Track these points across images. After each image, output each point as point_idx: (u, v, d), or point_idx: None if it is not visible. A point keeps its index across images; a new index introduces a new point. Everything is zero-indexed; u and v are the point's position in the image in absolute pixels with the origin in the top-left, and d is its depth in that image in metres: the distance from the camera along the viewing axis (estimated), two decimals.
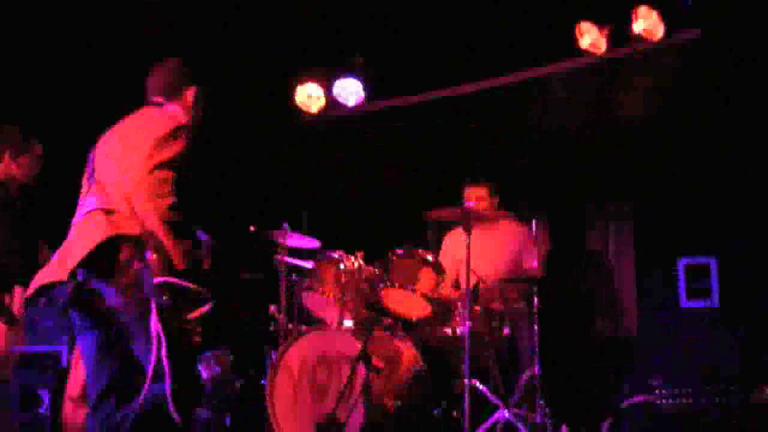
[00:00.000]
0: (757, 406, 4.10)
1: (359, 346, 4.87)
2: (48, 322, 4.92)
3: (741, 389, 4.13)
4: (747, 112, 6.00)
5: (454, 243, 6.04)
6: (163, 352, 3.22)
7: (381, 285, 5.32)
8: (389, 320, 5.45)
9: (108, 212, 3.34)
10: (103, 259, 3.26)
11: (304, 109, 7.26)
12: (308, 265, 5.64)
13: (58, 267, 3.40)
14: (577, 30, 6.18)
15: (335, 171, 7.28)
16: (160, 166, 3.33)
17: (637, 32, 6.08)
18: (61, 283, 3.37)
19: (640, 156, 6.38)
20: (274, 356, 5.27)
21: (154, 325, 3.22)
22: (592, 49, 6.23)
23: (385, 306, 5.38)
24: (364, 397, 4.77)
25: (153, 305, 3.22)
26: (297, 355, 5.18)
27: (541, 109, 6.74)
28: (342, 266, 5.39)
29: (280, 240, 5.86)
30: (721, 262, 6.12)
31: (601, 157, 6.55)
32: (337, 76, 7.15)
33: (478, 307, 5.36)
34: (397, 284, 5.27)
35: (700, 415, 4.20)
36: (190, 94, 3.80)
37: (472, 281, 5.27)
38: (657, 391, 4.33)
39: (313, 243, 6.00)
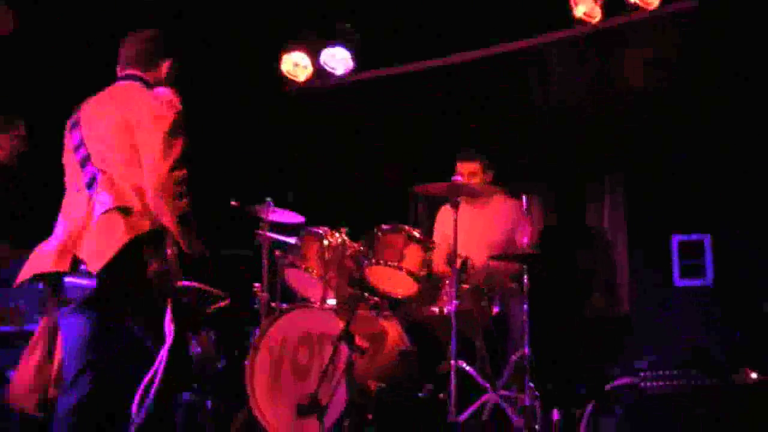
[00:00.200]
0: (740, 388, 4.02)
1: (342, 325, 4.76)
2: (19, 301, 4.81)
3: (725, 371, 4.06)
4: (745, 87, 5.87)
5: (444, 218, 5.95)
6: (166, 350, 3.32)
7: (366, 262, 5.21)
8: (374, 298, 5.37)
9: (123, 211, 3.37)
10: (120, 258, 3.31)
11: (291, 78, 7.13)
12: (291, 241, 5.53)
13: (58, 257, 3.41)
14: None
15: (321, 143, 7.17)
16: (176, 164, 3.38)
17: (633, 1, 5.93)
18: (61, 273, 3.41)
19: (635, 128, 6.27)
20: (254, 336, 5.18)
21: (168, 324, 3.30)
22: (586, 18, 6.09)
23: (370, 283, 5.29)
24: (347, 378, 4.66)
25: (169, 305, 3.32)
26: (278, 334, 5.09)
27: (535, 81, 6.65)
28: (326, 242, 5.28)
29: (263, 215, 5.74)
30: (715, 240, 6.04)
31: (596, 128, 6.45)
32: (325, 44, 7.00)
33: (466, 285, 5.25)
34: (382, 261, 5.16)
35: (684, 397, 4.14)
36: (165, 66, 3.74)
37: (461, 258, 5.16)
38: (642, 374, 4.25)
39: (297, 218, 5.88)
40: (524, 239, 5.23)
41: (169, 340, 3.30)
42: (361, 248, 5.27)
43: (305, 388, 4.82)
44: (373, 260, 5.18)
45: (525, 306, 4.97)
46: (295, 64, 7.07)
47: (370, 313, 5.34)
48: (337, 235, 5.31)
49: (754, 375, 4.03)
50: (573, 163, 6.64)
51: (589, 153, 6.53)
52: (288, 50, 7.05)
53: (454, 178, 4.99)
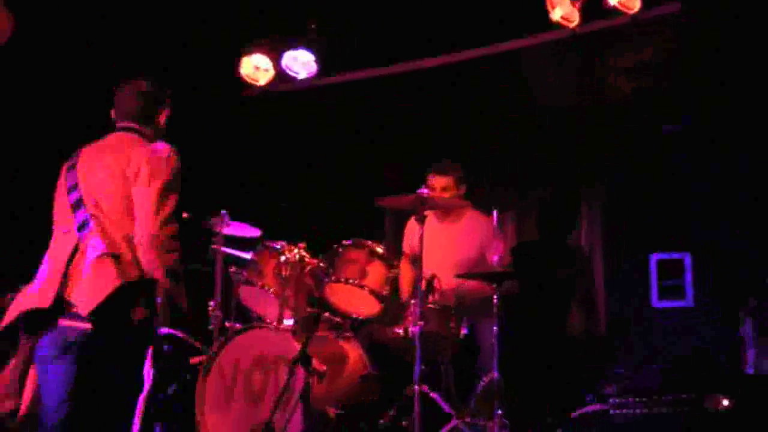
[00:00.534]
0: (710, 415, 4.08)
1: (299, 346, 4.77)
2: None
3: (696, 397, 4.12)
4: (730, 93, 5.94)
5: (411, 234, 5.97)
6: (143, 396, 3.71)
7: (326, 279, 5.23)
8: (334, 318, 5.40)
9: (114, 257, 3.64)
10: (109, 303, 3.59)
11: (251, 81, 7.11)
12: (247, 256, 5.54)
13: (41, 295, 3.67)
14: (548, 1, 6.07)
15: (282, 151, 7.17)
16: (169, 219, 3.70)
17: (613, 4, 6.00)
18: (50, 312, 3.64)
19: (616, 139, 6.34)
20: (206, 358, 5.16)
21: (147, 371, 3.63)
22: (564, 22, 6.13)
23: (330, 302, 5.32)
24: (304, 404, 4.70)
25: (150, 352, 3.67)
26: (231, 356, 5.09)
27: (510, 87, 6.66)
28: (284, 258, 5.29)
29: (217, 228, 5.75)
30: (696, 258, 6.11)
31: (575, 138, 6.51)
32: (287, 47, 7.00)
33: (433, 305, 5.26)
34: (343, 279, 5.18)
35: (653, 424, 4.18)
36: (162, 118, 4.03)
37: (427, 276, 5.21)
38: (611, 400, 4.29)
39: (253, 231, 5.89)
40: (495, 257, 5.20)
41: (146, 386, 3.63)
42: (321, 264, 5.28)
43: (259, 414, 4.83)
44: (334, 277, 5.19)
45: (495, 327, 4.95)
46: (256, 67, 7.08)
47: (329, 334, 5.36)
48: (295, 250, 5.32)
49: (725, 402, 4.08)
50: (550, 174, 6.70)
51: (568, 163, 6.60)
52: (248, 52, 7.04)
53: (420, 190, 4.99)
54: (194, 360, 5.04)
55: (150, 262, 3.63)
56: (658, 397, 4.21)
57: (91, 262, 3.65)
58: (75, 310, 3.62)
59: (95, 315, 3.57)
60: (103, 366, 3.64)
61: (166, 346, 3.91)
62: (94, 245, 3.67)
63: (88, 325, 3.58)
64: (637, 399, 4.24)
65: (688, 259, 6.14)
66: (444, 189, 5.73)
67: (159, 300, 3.63)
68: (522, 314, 5.65)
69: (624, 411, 4.27)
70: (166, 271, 3.64)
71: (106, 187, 3.77)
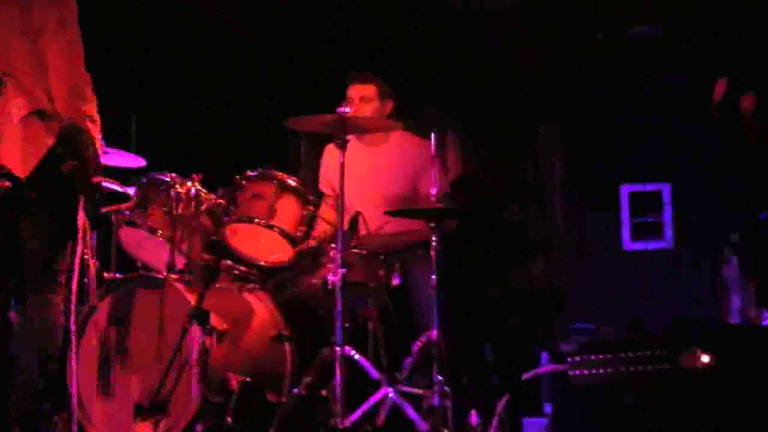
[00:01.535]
0: (687, 373, 4.21)
1: (194, 300, 4.81)
2: None
3: (671, 353, 4.23)
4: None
5: (329, 162, 6.00)
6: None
7: (226, 219, 5.26)
8: (237, 267, 5.43)
9: (40, 114, 4.09)
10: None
11: None
12: (129, 191, 5.51)
13: None
14: None
15: (171, 63, 7.13)
16: (83, 67, 4.23)
17: None
18: None
19: (573, 46, 6.55)
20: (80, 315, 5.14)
21: (80, 222, 4.17)
22: None
23: (232, 247, 5.33)
24: (200, 370, 4.73)
25: (81, 202, 4.18)
26: (110, 313, 5.12)
27: None
28: (174, 193, 5.31)
29: None
30: (676, 190, 6.26)
31: (523, 49, 6.70)
32: None
33: (357, 250, 5.31)
34: (247, 218, 5.21)
35: (620, 387, 4.29)
36: None
37: (350, 213, 5.26)
38: (570, 359, 4.39)
39: (136, 161, 5.91)
40: (432, 189, 5.20)
41: (80, 237, 4.17)
42: (220, 201, 5.31)
43: (145, 384, 4.88)
44: (236, 216, 5.22)
45: (433, 276, 5.02)
46: None
47: (231, 286, 5.39)
48: (188, 183, 5.34)
49: (705, 358, 4.19)
50: (497, 91, 6.84)
51: (518, 78, 6.76)
52: None
53: (339, 108, 4.97)
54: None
55: (74, 112, 4.11)
56: (626, 354, 4.30)
57: (17, 123, 4.04)
58: (9, 171, 4.02)
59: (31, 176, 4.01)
60: (34, 220, 4.13)
61: (97, 195, 4.21)
62: (17, 104, 4.06)
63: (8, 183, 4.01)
64: (601, 357, 4.32)
65: (666, 192, 6.25)
66: (365, 101, 5.82)
67: (90, 149, 4.12)
68: (464, 260, 5.69)
69: (585, 372, 4.34)
70: (90, 118, 4.16)
71: (13, 43, 4.10)
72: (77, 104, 4.15)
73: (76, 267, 4.26)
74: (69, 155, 4.11)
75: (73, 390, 4.51)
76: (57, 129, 4.10)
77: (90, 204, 4.24)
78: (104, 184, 4.29)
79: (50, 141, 4.08)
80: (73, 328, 4.33)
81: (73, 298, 4.26)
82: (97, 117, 4.25)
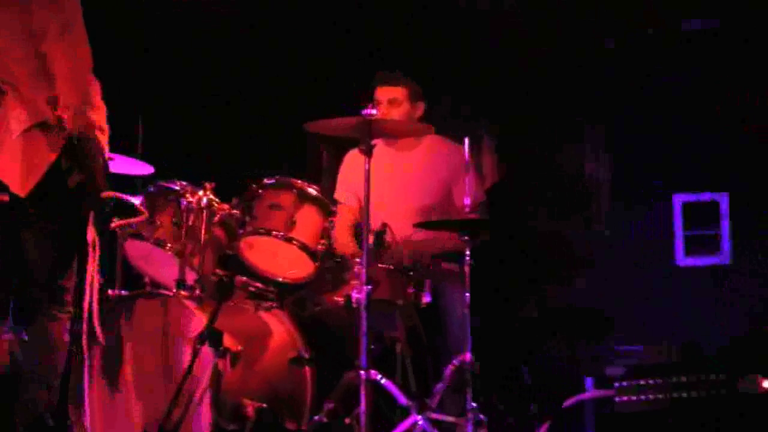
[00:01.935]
0: (747, 399, 4.17)
1: (206, 320, 4.82)
2: None
3: (728, 378, 4.19)
4: None
5: (352, 169, 6.00)
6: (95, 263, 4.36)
7: (241, 231, 5.27)
8: (253, 283, 5.42)
9: (42, 126, 4.14)
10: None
11: None
12: (136, 201, 5.46)
13: None
14: None
15: (180, 64, 7.16)
16: (91, 72, 4.39)
17: None
18: None
19: (620, 42, 6.55)
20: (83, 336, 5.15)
21: (90, 236, 4.27)
22: None
23: (248, 262, 5.33)
24: (212, 395, 4.75)
25: (91, 217, 4.27)
26: (116, 333, 5.11)
27: None
28: (185, 203, 5.32)
29: None
30: (734, 200, 6.25)
31: (568, 49, 6.70)
32: None
33: (384, 265, 5.29)
34: (264, 230, 5.23)
35: (670, 415, 4.26)
36: None
37: (376, 226, 5.24)
38: (616, 384, 4.36)
39: (143, 168, 5.93)
40: (466, 199, 5.20)
41: (91, 252, 4.27)
42: (235, 212, 5.32)
43: (153, 408, 4.89)
44: (252, 228, 5.23)
45: (467, 294, 5.02)
46: None
47: (246, 304, 5.41)
48: (200, 192, 5.34)
49: (766, 383, 4.15)
50: (537, 94, 6.83)
51: (560, 81, 6.73)
52: None
53: (364, 111, 4.93)
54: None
55: (83, 122, 4.21)
56: (678, 379, 4.26)
57: (18, 137, 4.10)
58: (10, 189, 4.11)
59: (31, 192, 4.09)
60: (36, 231, 4.20)
61: (107, 209, 4.33)
62: (16, 117, 4.11)
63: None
64: (651, 382, 4.29)
65: (724, 203, 6.21)
66: (393, 103, 5.85)
67: (99, 160, 4.25)
68: (501, 276, 5.67)
69: (632, 398, 4.32)
70: (100, 128, 4.29)
71: (12, 48, 4.14)
72: (86, 113, 4.23)
73: (87, 285, 4.36)
74: (76, 168, 4.19)
75: (86, 417, 4.66)
76: (61, 142, 4.16)
77: (100, 219, 4.32)
78: (115, 196, 4.37)
79: (53, 156, 4.14)
80: (85, 347, 4.41)
81: (85, 316, 4.35)
82: (106, 126, 4.35)
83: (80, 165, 4.20)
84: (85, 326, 4.35)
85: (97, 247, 4.35)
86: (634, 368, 4.86)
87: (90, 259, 4.32)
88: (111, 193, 4.33)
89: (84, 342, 4.38)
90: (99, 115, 4.31)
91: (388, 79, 5.91)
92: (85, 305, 4.33)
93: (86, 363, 4.52)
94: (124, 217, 4.70)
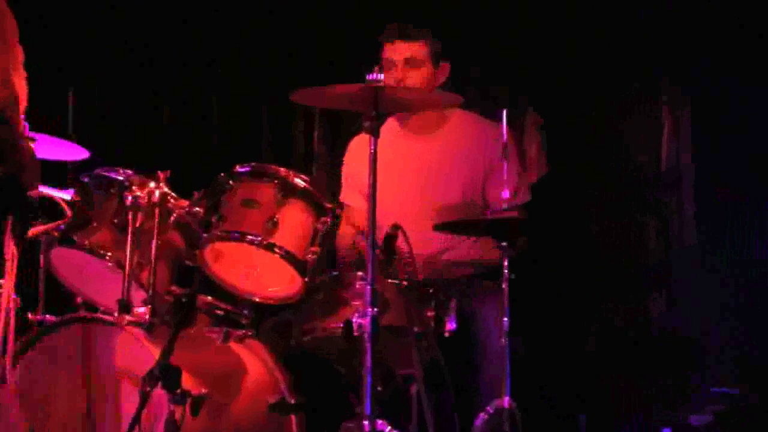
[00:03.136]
0: None
1: (158, 353, 4.76)
2: None
3: None
4: None
5: (360, 160, 5.87)
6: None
7: (206, 235, 5.22)
8: (220, 305, 5.46)
9: None
10: None
11: None
12: (66, 195, 5.48)
13: None
14: None
15: (125, 16, 7.21)
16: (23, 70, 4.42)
17: None
18: None
19: None
20: None
21: (10, 249, 4.26)
22: None
23: (214, 276, 5.34)
24: None
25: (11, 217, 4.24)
26: (39, 369, 5.15)
27: None
28: (131, 198, 5.26)
29: None
30: None
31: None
32: None
33: (396, 280, 5.29)
34: (237, 234, 5.18)
35: None
36: None
37: (384, 228, 5.20)
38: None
39: (75, 153, 5.93)
40: (504, 192, 5.24)
41: (9, 266, 4.29)
42: (197, 209, 5.26)
43: None
44: (220, 232, 5.18)
45: (505, 319, 5.04)
46: None
47: (212, 333, 5.42)
48: (151, 184, 5.30)
49: None
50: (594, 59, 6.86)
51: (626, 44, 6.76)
52: None
53: (370, 75, 4.90)
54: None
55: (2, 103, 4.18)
56: None
57: None
58: None
59: None
60: None
61: (33, 212, 4.34)
62: None
63: None
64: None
65: None
66: (411, 63, 5.88)
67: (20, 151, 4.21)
68: (548, 295, 5.63)
69: None
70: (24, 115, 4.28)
71: None
72: (4, 93, 4.16)
73: (3, 307, 4.34)
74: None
75: None
76: None
77: (20, 225, 4.24)
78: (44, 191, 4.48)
79: None
80: None
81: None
82: (24, 100, 4.32)
83: (7, 156, 4.16)
84: None
85: (16, 260, 4.29)
86: (727, 416, 4.77)
87: (6, 276, 4.27)
88: (39, 191, 4.30)
89: None
90: (21, 90, 4.28)
91: (404, 32, 5.95)
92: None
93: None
94: (45, 221, 4.70)
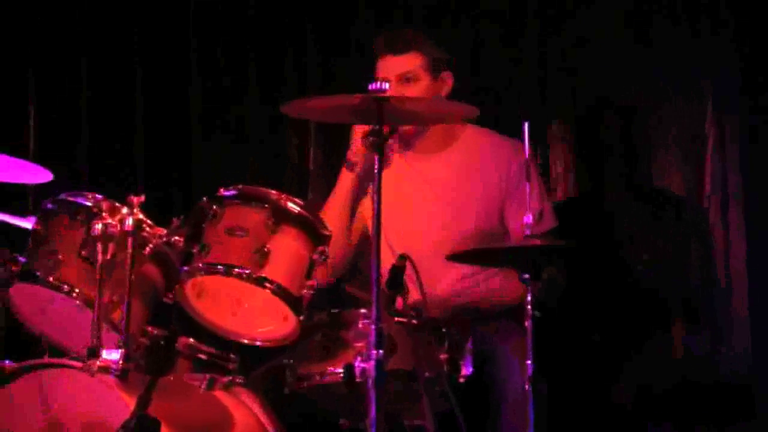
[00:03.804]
0: None
1: (132, 405, 4.74)
2: None
3: None
4: None
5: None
6: None
7: (186, 268, 5.21)
8: (202, 348, 5.51)
9: None
10: None
11: None
12: (27, 224, 5.54)
13: None
14: None
15: (93, 21, 7.29)
16: None
17: None
18: None
19: None
20: None
21: None
22: None
23: (196, 315, 5.34)
24: None
25: None
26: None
27: None
28: (100, 226, 5.21)
29: None
30: None
31: None
32: None
33: (404, 318, 5.30)
34: (223, 267, 5.16)
35: None
36: None
37: (390, 260, 5.21)
38: None
39: (37, 175, 5.93)
40: (527, 217, 5.18)
41: None
42: (177, 239, 5.25)
43: None
44: (202, 265, 5.16)
45: (528, 362, 5.03)
46: None
47: (195, 380, 5.40)
48: (124, 211, 5.27)
49: None
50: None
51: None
52: None
53: (373, 84, 4.87)
54: None
55: None
56: None
57: None
58: None
59: None
60: None
61: None
62: None
63: None
64: None
65: None
66: (406, 79, 5.91)
67: None
68: (578, 333, 5.62)
69: None
70: None
71: None
72: None
73: None
74: None
75: None
76: None
77: None
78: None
79: None
80: None
81: None
82: None
83: None
84: None
85: None
86: None
87: None
88: None
89: None
90: None
91: (392, 44, 5.96)
92: None
93: None
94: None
